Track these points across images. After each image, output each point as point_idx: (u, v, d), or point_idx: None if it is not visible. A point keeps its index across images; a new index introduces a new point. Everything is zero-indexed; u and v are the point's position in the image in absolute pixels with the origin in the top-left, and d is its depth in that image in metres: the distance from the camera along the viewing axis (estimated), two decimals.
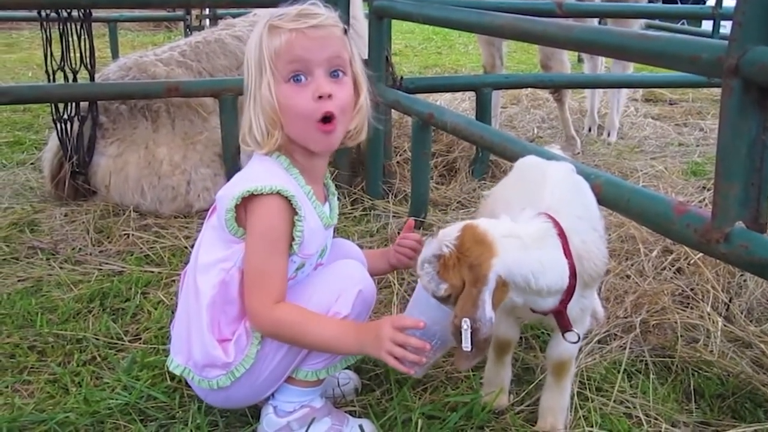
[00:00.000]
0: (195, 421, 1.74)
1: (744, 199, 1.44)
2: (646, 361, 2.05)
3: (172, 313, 2.16)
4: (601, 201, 1.77)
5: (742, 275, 2.43)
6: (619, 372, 1.97)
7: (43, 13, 3.34)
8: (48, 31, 3.33)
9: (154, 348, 2.10)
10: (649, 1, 5.73)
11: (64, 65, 3.30)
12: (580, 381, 1.91)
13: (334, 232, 1.81)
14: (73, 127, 3.28)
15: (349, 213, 3.20)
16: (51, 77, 3.33)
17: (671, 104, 5.97)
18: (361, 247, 1.95)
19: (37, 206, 3.27)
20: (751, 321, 2.26)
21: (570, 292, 1.52)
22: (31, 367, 2.01)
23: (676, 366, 2.02)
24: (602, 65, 5.45)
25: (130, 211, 3.16)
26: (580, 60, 7.09)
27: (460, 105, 5.50)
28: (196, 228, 3.04)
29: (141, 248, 2.85)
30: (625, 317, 2.24)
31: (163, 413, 1.80)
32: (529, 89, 5.76)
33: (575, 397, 1.83)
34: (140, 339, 2.17)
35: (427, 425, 1.72)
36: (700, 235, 1.52)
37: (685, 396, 1.93)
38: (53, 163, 3.34)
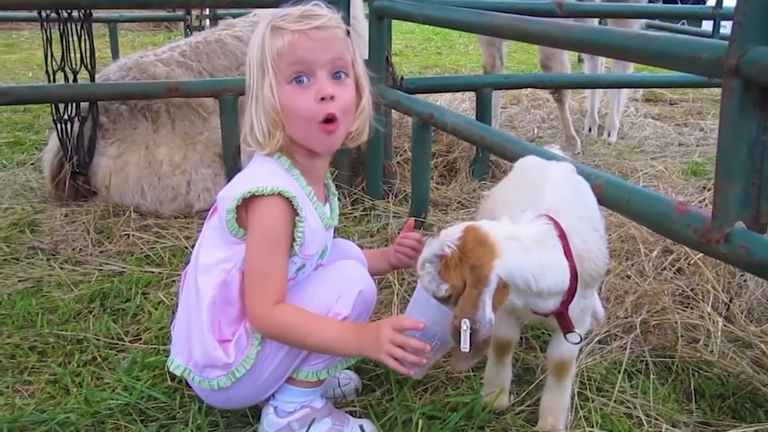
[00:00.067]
0: (195, 422, 1.74)
1: (744, 199, 1.44)
2: (646, 361, 2.05)
3: (173, 313, 2.16)
4: (601, 201, 1.77)
5: (742, 275, 2.43)
6: (619, 372, 1.97)
7: (44, 14, 3.34)
8: (48, 31, 3.33)
9: (155, 348, 2.10)
10: (650, 1, 5.73)
11: (64, 65, 3.30)
12: (580, 381, 1.91)
13: (334, 232, 1.81)
14: (73, 127, 3.29)
15: (350, 213, 3.20)
16: (51, 78, 3.33)
17: (671, 104, 5.97)
18: (361, 247, 1.95)
19: (38, 207, 3.27)
20: (751, 321, 2.26)
21: (571, 293, 1.52)
22: (32, 368, 2.01)
23: (677, 366, 2.02)
24: (602, 65, 5.45)
25: (130, 212, 3.16)
26: (580, 60, 7.09)
27: (461, 105, 5.50)
28: (197, 228, 3.04)
29: (141, 248, 2.85)
30: (626, 317, 2.24)
31: (164, 413, 1.80)
32: (529, 89, 5.77)
33: (576, 397, 1.83)
34: (141, 339, 2.17)
35: (428, 425, 1.72)
36: (700, 235, 1.52)
37: (686, 396, 1.93)
38: (53, 163, 3.34)
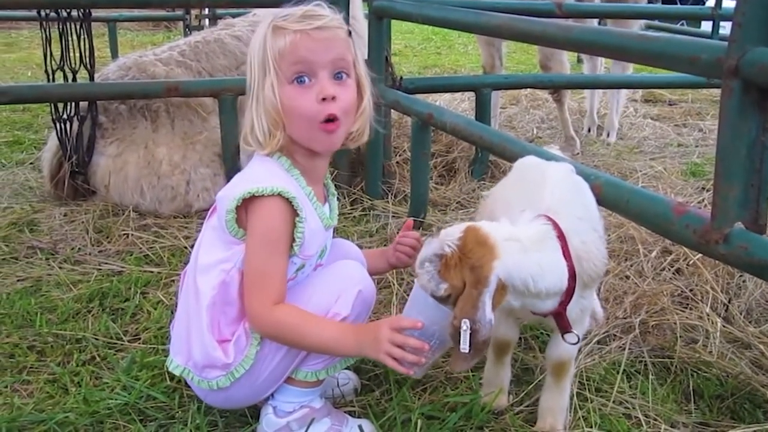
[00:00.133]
0: (194, 422, 1.74)
1: (743, 200, 1.45)
2: (645, 361, 2.05)
3: (172, 313, 2.16)
4: (600, 202, 1.77)
5: (741, 276, 2.43)
6: (618, 372, 1.97)
7: (43, 13, 3.33)
8: (47, 30, 3.33)
9: (154, 348, 2.10)
10: (649, 2, 5.73)
11: (63, 65, 3.30)
12: (579, 381, 1.91)
13: (333, 232, 1.81)
14: (72, 126, 3.28)
15: (349, 213, 3.20)
16: (50, 77, 3.32)
17: (671, 105, 5.97)
18: (360, 247, 1.95)
19: (37, 206, 3.27)
20: (750, 322, 2.26)
21: (569, 293, 1.52)
22: (31, 367, 2.01)
23: (675, 367, 2.02)
24: (602, 66, 5.45)
25: (129, 211, 3.16)
26: (579, 60, 7.09)
27: (460, 105, 5.50)
28: (196, 228, 3.04)
29: (140, 248, 2.84)
30: (625, 318, 2.24)
31: (163, 413, 1.80)
32: (529, 90, 5.77)
33: (574, 397, 1.83)
34: (140, 339, 2.17)
35: (427, 425, 1.72)
36: (699, 236, 1.52)
37: (684, 397, 1.93)
38: (53, 162, 3.34)
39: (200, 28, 6.54)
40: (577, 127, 4.97)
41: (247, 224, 1.57)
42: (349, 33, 1.63)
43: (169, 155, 3.31)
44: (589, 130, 5.07)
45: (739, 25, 1.40)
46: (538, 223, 1.52)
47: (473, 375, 1.94)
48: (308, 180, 1.65)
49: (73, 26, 3.28)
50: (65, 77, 3.32)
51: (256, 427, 1.72)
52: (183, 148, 3.34)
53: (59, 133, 3.28)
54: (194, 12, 7.26)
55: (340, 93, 1.57)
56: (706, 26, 6.71)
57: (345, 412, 1.79)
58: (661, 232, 1.76)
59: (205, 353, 1.61)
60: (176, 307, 1.76)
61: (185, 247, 2.84)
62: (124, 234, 2.96)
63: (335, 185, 1.84)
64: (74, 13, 3.29)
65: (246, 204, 1.56)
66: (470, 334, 1.39)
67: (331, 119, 1.57)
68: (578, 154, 4.45)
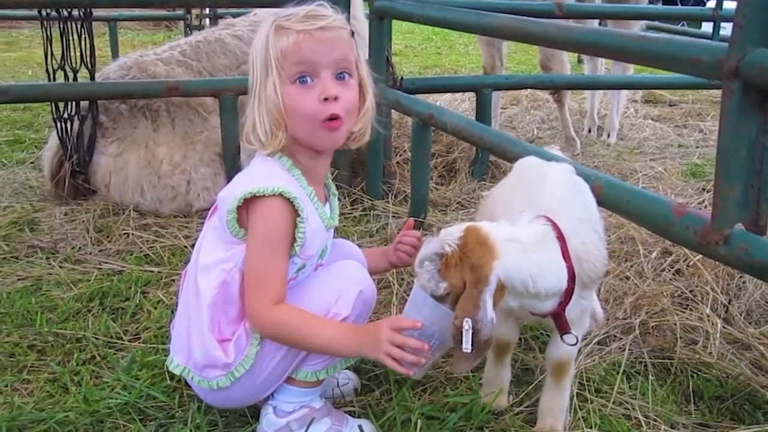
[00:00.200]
0: (194, 421, 1.74)
1: (744, 201, 1.45)
2: (645, 362, 2.05)
3: (172, 312, 2.17)
4: (600, 202, 1.77)
5: (741, 277, 2.43)
6: (618, 373, 1.97)
7: (44, 12, 3.34)
8: (48, 29, 3.33)
9: (154, 347, 2.10)
10: (650, 3, 5.73)
11: (64, 64, 3.30)
12: (579, 382, 1.92)
13: (334, 232, 1.82)
14: (73, 126, 3.29)
15: (349, 213, 3.20)
16: (51, 76, 3.33)
17: (671, 106, 5.97)
18: (360, 247, 1.95)
19: (37, 205, 3.27)
20: (750, 323, 2.26)
21: (568, 294, 1.52)
22: (31, 366, 2.01)
23: (675, 367, 2.03)
24: (602, 66, 5.45)
25: (129, 211, 3.16)
26: (580, 61, 7.09)
27: (460, 105, 5.50)
28: (196, 227, 3.04)
29: (141, 248, 2.85)
30: (625, 319, 2.24)
31: (163, 413, 1.80)
32: (529, 90, 5.77)
33: (574, 398, 1.83)
34: (140, 338, 2.17)
35: (427, 426, 1.73)
36: (699, 236, 1.52)
37: (684, 397, 1.93)
38: (53, 162, 3.34)
39: (201, 27, 6.54)
40: (577, 127, 4.97)
41: (248, 224, 1.58)
42: (352, 33, 1.63)
43: (169, 155, 3.31)
44: (589, 131, 5.07)
45: (739, 27, 1.40)
46: (537, 223, 1.52)
47: (473, 375, 1.94)
48: (309, 180, 1.65)
49: (73, 25, 3.28)
50: (66, 76, 3.33)
51: (256, 427, 1.72)
52: (183, 148, 3.34)
53: (60, 133, 3.28)
54: (195, 11, 7.25)
55: (342, 93, 1.57)
56: (707, 27, 6.70)
57: (345, 412, 1.79)
58: (661, 233, 1.76)
59: (205, 353, 1.61)
60: (176, 306, 1.76)
61: (185, 247, 2.84)
62: (125, 233, 2.97)
63: (336, 185, 1.85)
64: (75, 12, 3.29)
65: (247, 204, 1.56)
66: (472, 333, 1.39)
67: (333, 118, 1.57)
68: (578, 154, 4.45)
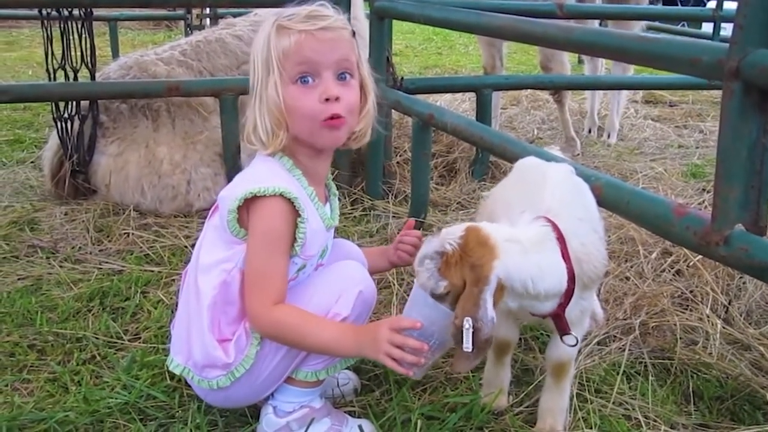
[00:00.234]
0: (194, 421, 1.74)
1: (744, 201, 1.45)
2: (645, 362, 2.05)
3: (172, 312, 2.17)
4: (601, 203, 1.77)
5: (741, 277, 2.43)
6: (618, 374, 1.97)
7: (44, 12, 3.34)
8: (49, 29, 3.33)
9: (154, 347, 2.10)
10: (650, 3, 5.73)
11: (64, 64, 3.30)
12: (579, 382, 1.92)
13: (334, 232, 1.82)
14: (73, 125, 3.29)
15: (349, 213, 3.20)
16: (52, 76, 3.33)
17: (671, 106, 5.97)
18: (360, 247, 1.95)
19: (37, 205, 3.27)
20: (750, 323, 2.26)
21: (568, 295, 1.52)
22: (31, 366, 2.01)
23: (675, 368, 2.03)
24: (602, 67, 5.45)
25: (130, 210, 3.16)
26: (580, 61, 7.10)
27: (461, 106, 5.50)
28: (196, 227, 3.04)
29: (141, 247, 2.85)
30: (625, 319, 2.24)
31: (163, 412, 1.80)
32: (529, 90, 5.77)
33: (574, 398, 1.83)
34: (140, 338, 2.18)
35: (427, 426, 1.73)
36: (699, 237, 1.52)
37: (684, 398, 1.93)
38: (53, 161, 3.34)
39: (201, 27, 6.54)
40: (577, 128, 4.97)
41: (248, 224, 1.58)
42: (353, 33, 1.63)
43: (170, 154, 3.31)
44: (589, 131, 5.07)
45: (740, 27, 1.40)
46: (537, 224, 1.52)
47: (473, 375, 1.94)
48: (310, 180, 1.65)
49: (74, 25, 3.28)
50: (66, 76, 3.33)
51: (256, 427, 1.73)
52: (184, 148, 3.34)
53: (60, 132, 3.28)
54: (195, 11, 7.24)
55: (343, 93, 1.57)
56: (707, 28, 6.71)
57: (345, 412, 1.79)
58: (661, 234, 1.76)
59: (205, 353, 1.61)
60: (177, 306, 1.76)
61: (186, 247, 2.84)
62: (125, 233, 2.97)
63: (336, 185, 1.85)
64: (75, 11, 3.29)
65: (248, 204, 1.56)
66: (473, 332, 1.39)
67: (334, 117, 1.57)
68: (578, 155, 4.45)
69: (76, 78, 3.35)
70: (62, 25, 3.28)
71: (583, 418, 1.79)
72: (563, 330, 1.59)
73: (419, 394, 1.90)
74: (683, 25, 8.33)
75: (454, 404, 1.83)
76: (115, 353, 2.08)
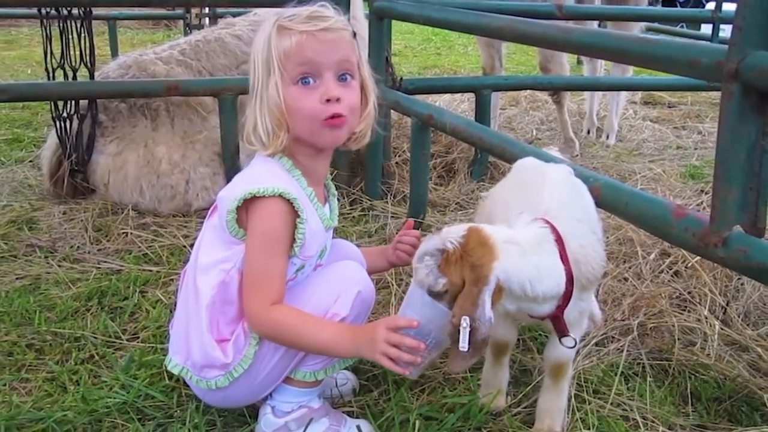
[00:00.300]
0: (193, 421, 1.74)
1: (742, 203, 1.45)
2: (643, 363, 2.05)
3: (171, 312, 2.17)
4: (599, 204, 1.78)
5: (739, 279, 2.43)
6: (616, 374, 1.97)
7: (43, 11, 3.33)
8: (48, 28, 3.33)
9: (152, 347, 2.10)
10: (649, 4, 5.73)
11: (63, 63, 3.30)
12: (577, 383, 1.92)
13: (333, 232, 1.82)
14: (72, 125, 3.28)
15: (348, 213, 3.21)
16: (51, 75, 3.32)
17: (670, 107, 5.98)
18: (359, 247, 1.95)
19: (36, 204, 3.27)
20: (748, 324, 2.27)
21: (566, 297, 1.53)
22: (29, 365, 2.01)
23: (673, 369, 2.03)
24: (601, 68, 5.46)
25: (128, 210, 3.16)
26: (579, 62, 7.10)
27: (459, 106, 5.50)
28: (195, 227, 3.04)
29: (139, 247, 2.85)
30: (623, 320, 2.24)
31: (161, 412, 1.80)
32: (528, 91, 5.77)
33: (572, 399, 1.83)
34: (138, 338, 2.17)
35: (425, 426, 1.73)
36: (698, 238, 1.52)
37: (682, 399, 1.93)
38: (52, 160, 3.34)
39: (200, 27, 6.54)
40: (576, 128, 4.97)
41: (247, 224, 1.58)
42: (354, 34, 1.63)
43: (168, 154, 3.31)
44: (588, 132, 5.07)
45: (739, 29, 1.40)
46: (536, 226, 1.52)
47: (471, 376, 1.94)
48: (309, 181, 1.65)
49: (73, 24, 3.28)
50: (65, 75, 3.32)
51: (255, 427, 1.73)
52: (183, 147, 3.34)
53: (59, 132, 3.28)
54: (194, 11, 7.25)
55: (344, 94, 1.58)
56: (706, 29, 6.71)
57: (343, 412, 1.79)
58: (659, 235, 1.76)
59: (204, 353, 1.61)
60: (175, 306, 1.76)
61: (184, 246, 2.84)
62: (123, 233, 2.96)
63: (335, 185, 1.85)
64: (75, 11, 3.29)
65: (247, 204, 1.56)
66: (470, 332, 1.39)
67: (335, 116, 1.57)
68: (577, 155, 4.45)
69: (75, 77, 3.35)
70: (61, 24, 3.28)
71: (581, 418, 1.79)
72: (561, 331, 1.59)
73: (417, 394, 1.90)
74: (682, 27, 8.33)
75: (453, 405, 1.83)
76: (113, 353, 2.08)
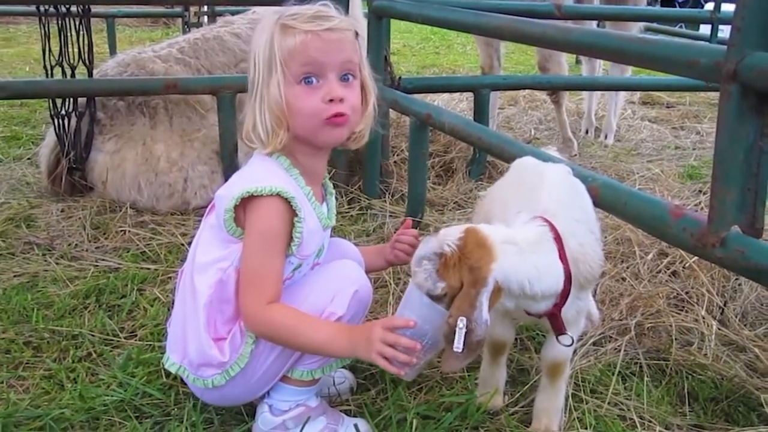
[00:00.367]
0: (190, 419, 1.74)
1: (740, 203, 1.45)
2: (640, 363, 2.06)
3: (168, 310, 2.17)
4: (598, 203, 1.78)
5: (736, 279, 2.44)
6: (613, 374, 1.98)
7: (42, 8, 3.33)
8: (46, 26, 3.32)
9: (150, 345, 2.10)
10: (648, 4, 5.74)
11: (62, 60, 3.30)
12: (574, 383, 1.92)
13: (331, 231, 1.82)
14: (70, 122, 3.28)
15: (346, 212, 3.20)
16: (49, 72, 3.32)
17: (668, 107, 5.98)
18: (357, 246, 1.95)
19: (34, 202, 3.27)
20: (745, 325, 2.27)
21: (564, 295, 1.53)
22: (27, 363, 2.01)
23: (671, 369, 2.03)
24: (600, 67, 5.46)
25: (126, 208, 3.15)
26: (578, 62, 7.10)
27: (458, 105, 5.50)
28: (193, 225, 3.04)
29: (137, 245, 2.84)
30: (620, 320, 2.24)
31: (159, 410, 1.80)
32: (527, 91, 5.77)
33: (570, 398, 1.84)
34: (136, 336, 2.17)
35: (422, 425, 1.73)
36: (696, 239, 1.52)
37: (679, 399, 1.93)
38: (50, 158, 3.34)
39: (199, 25, 6.54)
40: (574, 128, 4.98)
41: (245, 223, 1.57)
42: (356, 35, 1.63)
43: (167, 152, 3.30)
44: (586, 132, 5.07)
45: (738, 30, 1.40)
46: (534, 225, 1.52)
47: (469, 375, 1.94)
48: (307, 180, 1.65)
49: (71, 22, 3.28)
50: (63, 73, 3.32)
51: (252, 425, 1.73)
52: (181, 145, 3.34)
53: (57, 129, 3.27)
54: (193, 9, 7.24)
55: (347, 94, 1.58)
56: (705, 29, 6.72)
57: (341, 410, 1.79)
58: (658, 235, 1.76)
59: (201, 351, 1.61)
60: (173, 304, 1.76)
61: (182, 244, 2.84)
62: (122, 230, 2.96)
63: (333, 184, 1.85)
64: (73, 8, 3.29)
65: (244, 203, 1.56)
66: (465, 333, 1.39)
67: (338, 115, 1.57)
68: (576, 155, 4.45)
69: (73, 75, 3.34)
70: (60, 22, 3.28)
71: (578, 418, 1.79)
72: (559, 330, 1.59)
73: (415, 393, 1.90)
74: (681, 27, 8.34)
75: (450, 404, 1.83)
76: (111, 351, 2.08)
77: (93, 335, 2.15)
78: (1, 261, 2.67)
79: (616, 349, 2.10)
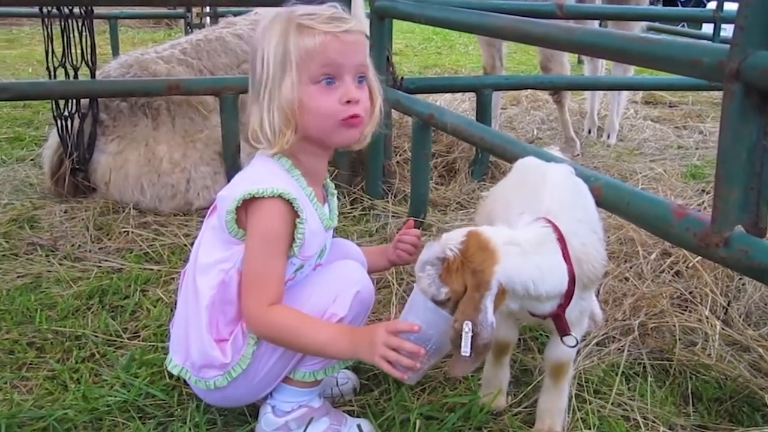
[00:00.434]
0: (193, 420, 1.74)
1: (744, 203, 1.45)
2: (644, 363, 2.05)
3: (171, 310, 2.17)
4: (600, 203, 1.77)
5: (740, 279, 2.43)
6: (617, 374, 1.97)
7: (45, 10, 3.33)
8: (49, 27, 3.33)
9: (153, 345, 2.10)
10: (650, 4, 5.73)
11: (65, 62, 3.30)
12: (578, 383, 1.92)
13: (333, 231, 1.81)
14: (73, 123, 3.28)
15: (349, 213, 3.20)
16: (52, 74, 3.33)
17: (671, 107, 5.97)
18: (360, 246, 1.95)
19: (37, 203, 3.27)
20: (749, 325, 2.26)
21: (568, 296, 1.52)
22: (30, 364, 2.01)
23: (674, 369, 2.03)
24: (603, 67, 5.45)
25: (129, 209, 3.16)
26: (580, 62, 7.09)
27: (460, 106, 5.50)
28: (196, 226, 3.04)
29: (140, 246, 2.85)
30: (624, 320, 2.24)
31: (162, 411, 1.80)
32: (529, 91, 5.76)
33: (573, 399, 1.83)
34: (139, 336, 2.18)
35: (425, 426, 1.73)
36: (699, 238, 1.52)
37: (683, 399, 1.93)
38: (53, 159, 3.34)
39: (201, 26, 6.54)
40: (577, 128, 4.97)
41: (246, 225, 1.57)
42: (367, 38, 1.64)
43: (169, 153, 3.31)
44: (589, 132, 5.07)
45: (741, 29, 1.40)
46: (537, 225, 1.52)
47: (472, 376, 1.94)
48: (309, 181, 1.65)
49: (74, 23, 3.28)
50: (66, 74, 3.33)
51: (255, 426, 1.73)
52: (183, 146, 3.34)
53: (60, 130, 3.28)
54: (195, 10, 7.24)
55: (361, 96, 1.59)
56: (708, 28, 6.71)
57: (344, 411, 1.79)
58: (661, 235, 1.76)
59: (203, 353, 1.61)
60: (176, 305, 1.76)
61: (185, 245, 2.84)
62: (124, 231, 2.97)
63: (335, 184, 1.84)
64: (76, 9, 3.29)
65: (246, 205, 1.55)
66: (471, 337, 1.39)
67: (354, 116, 1.58)
68: (578, 155, 4.45)
69: (76, 76, 3.35)
70: (63, 23, 3.28)
71: (581, 418, 1.79)
72: (563, 330, 1.59)
73: (418, 393, 1.90)
74: (683, 26, 8.33)
75: (453, 404, 1.83)
76: (114, 351, 2.08)
77: (96, 336, 2.15)
78: (5, 262, 2.68)
79: (619, 349, 2.10)
